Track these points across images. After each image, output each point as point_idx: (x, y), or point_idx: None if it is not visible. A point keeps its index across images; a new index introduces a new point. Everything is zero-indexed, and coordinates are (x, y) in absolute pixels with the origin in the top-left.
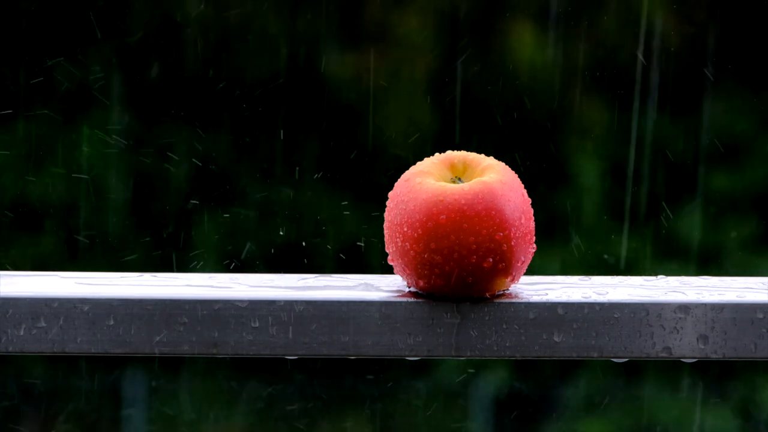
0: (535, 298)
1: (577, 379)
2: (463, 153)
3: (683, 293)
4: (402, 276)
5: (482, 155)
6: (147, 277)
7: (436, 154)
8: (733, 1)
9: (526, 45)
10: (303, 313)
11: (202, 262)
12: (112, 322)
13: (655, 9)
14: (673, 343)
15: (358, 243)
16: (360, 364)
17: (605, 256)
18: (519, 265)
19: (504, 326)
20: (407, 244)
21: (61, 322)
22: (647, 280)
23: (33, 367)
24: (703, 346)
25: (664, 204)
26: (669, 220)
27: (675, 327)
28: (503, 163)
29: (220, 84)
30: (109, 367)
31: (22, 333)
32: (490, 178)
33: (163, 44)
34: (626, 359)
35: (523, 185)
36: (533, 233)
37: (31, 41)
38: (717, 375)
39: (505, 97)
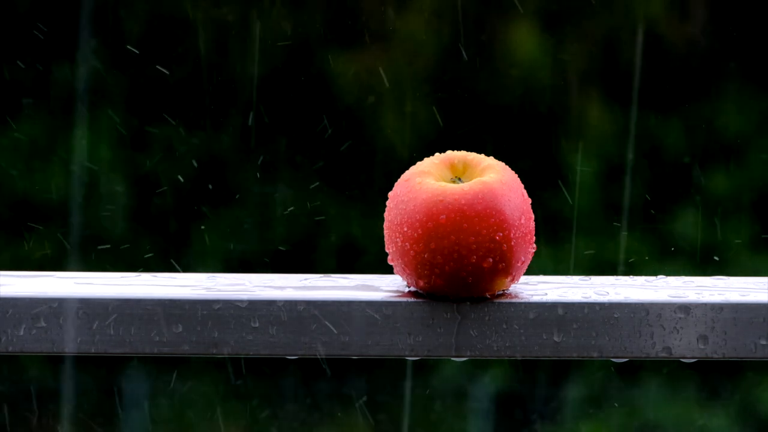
0: (535, 298)
1: (577, 379)
2: (463, 153)
3: (683, 293)
4: (402, 276)
5: (482, 155)
6: (146, 277)
7: (436, 154)
8: (733, 0)
9: (526, 44)
10: (303, 313)
11: (202, 262)
12: (112, 322)
13: (654, 8)
14: (673, 343)
15: (358, 243)
16: (360, 364)
17: (605, 256)
18: (519, 265)
19: (504, 326)
20: (407, 244)
21: (61, 322)
22: (647, 280)
23: (33, 367)
24: (703, 346)
25: (663, 204)
26: (669, 220)
27: (675, 327)
28: (503, 163)
29: (220, 83)
30: (109, 367)
31: (22, 333)
32: (490, 178)
33: (163, 44)
34: (626, 359)
35: (523, 185)
36: (533, 233)
37: (30, 41)
38: (717, 375)
39: (504, 96)
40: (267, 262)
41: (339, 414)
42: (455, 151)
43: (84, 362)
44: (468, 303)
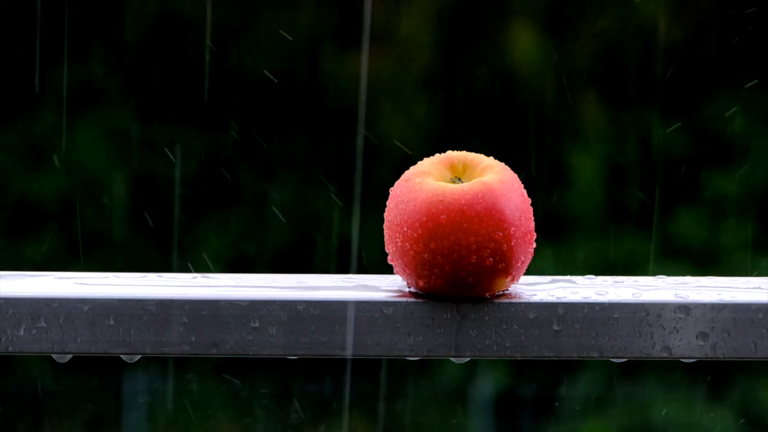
0: (535, 298)
1: (577, 379)
2: (463, 153)
3: (683, 293)
4: (402, 276)
5: (482, 155)
6: (147, 277)
7: (436, 154)
8: (733, 0)
9: (526, 45)
10: (303, 313)
11: (202, 262)
12: (112, 322)
13: (654, 9)
14: (673, 343)
15: (358, 243)
16: (360, 364)
17: (605, 256)
18: (519, 265)
19: (504, 326)
20: (407, 244)
21: (61, 322)
22: (647, 280)
23: (33, 367)
24: (703, 346)
25: (664, 204)
26: (669, 220)
27: (675, 327)
28: (503, 164)
29: (220, 83)
30: (109, 367)
31: (22, 333)
32: (489, 178)
33: (164, 43)
34: (626, 359)
35: (522, 185)
36: (533, 233)
37: (31, 42)
38: (717, 375)
39: (504, 96)
40: (267, 262)
41: (339, 414)
42: (455, 151)
43: (84, 362)
44: (468, 303)
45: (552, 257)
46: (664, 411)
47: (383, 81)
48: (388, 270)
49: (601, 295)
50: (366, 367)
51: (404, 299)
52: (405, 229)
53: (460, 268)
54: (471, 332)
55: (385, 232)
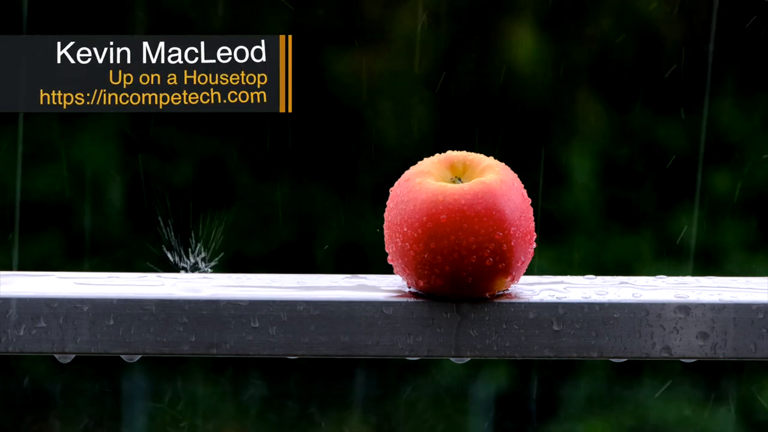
0: (535, 298)
1: (577, 379)
2: (463, 153)
3: (683, 293)
4: (402, 276)
5: (482, 155)
6: (147, 277)
7: (436, 154)
8: (733, 0)
9: (525, 44)
10: (303, 313)
11: (201, 263)
12: (112, 322)
13: (654, 8)
14: (673, 343)
15: (358, 243)
16: (360, 364)
17: (604, 256)
18: (519, 265)
19: (504, 326)
20: (407, 244)
21: (61, 322)
22: (647, 280)
23: (33, 367)
24: (703, 346)
25: (663, 204)
26: (668, 220)
27: (675, 327)
28: (503, 164)
29: None
30: (109, 367)
31: (22, 333)
32: (490, 179)
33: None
34: (626, 359)
35: (522, 185)
36: (533, 233)
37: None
38: (717, 375)
39: (504, 96)
40: (266, 262)
41: (339, 414)
42: (455, 151)
43: (84, 362)
44: (468, 303)
45: (552, 257)
46: (664, 411)
47: (382, 80)
48: (388, 270)
49: (601, 295)
50: (365, 367)
51: (404, 299)
52: (405, 229)
53: (460, 268)
54: (471, 332)
55: (385, 232)
